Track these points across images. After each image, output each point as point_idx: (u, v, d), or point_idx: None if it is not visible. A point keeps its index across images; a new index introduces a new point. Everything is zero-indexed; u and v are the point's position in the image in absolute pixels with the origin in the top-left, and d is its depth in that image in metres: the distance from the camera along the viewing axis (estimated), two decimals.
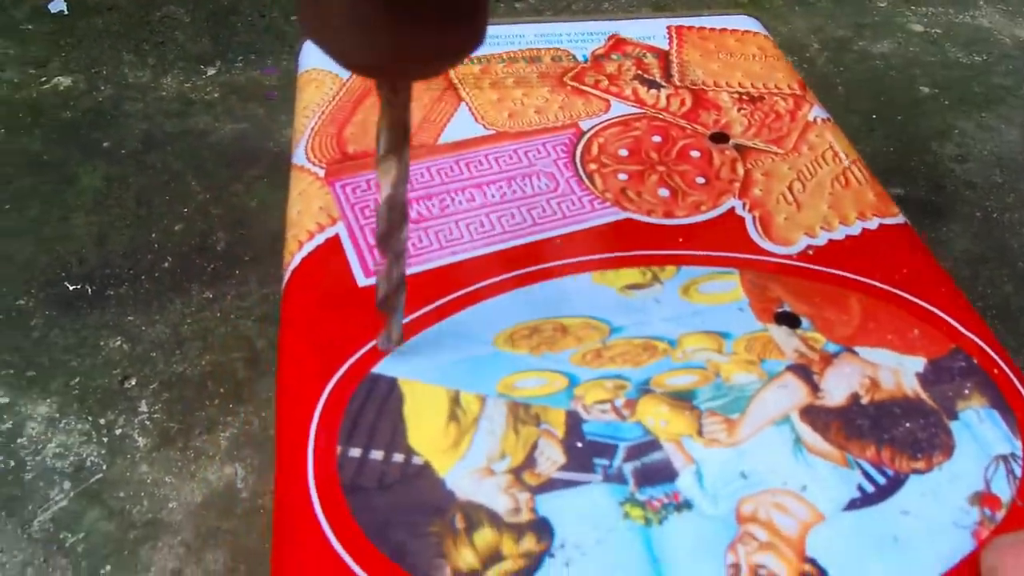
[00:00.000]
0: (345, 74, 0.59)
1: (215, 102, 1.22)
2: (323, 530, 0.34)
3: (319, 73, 0.60)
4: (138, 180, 1.08)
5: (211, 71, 1.29)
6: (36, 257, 0.97)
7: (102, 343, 0.88)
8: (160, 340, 0.88)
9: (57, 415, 0.81)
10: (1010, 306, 0.95)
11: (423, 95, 0.58)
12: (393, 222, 0.36)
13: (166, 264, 0.97)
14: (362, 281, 0.45)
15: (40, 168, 1.09)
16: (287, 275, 0.46)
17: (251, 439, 0.80)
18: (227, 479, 0.77)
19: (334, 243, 0.47)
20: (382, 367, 0.41)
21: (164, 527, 0.73)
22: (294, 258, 0.47)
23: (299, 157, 0.53)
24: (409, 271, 0.45)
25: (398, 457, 0.37)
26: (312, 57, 0.62)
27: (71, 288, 0.93)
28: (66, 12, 1.36)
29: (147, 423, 0.81)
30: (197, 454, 0.78)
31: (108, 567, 0.71)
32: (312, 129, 0.55)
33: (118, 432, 0.80)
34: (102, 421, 0.81)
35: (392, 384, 0.40)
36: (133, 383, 0.84)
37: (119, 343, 0.88)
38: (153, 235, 1.00)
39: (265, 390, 0.84)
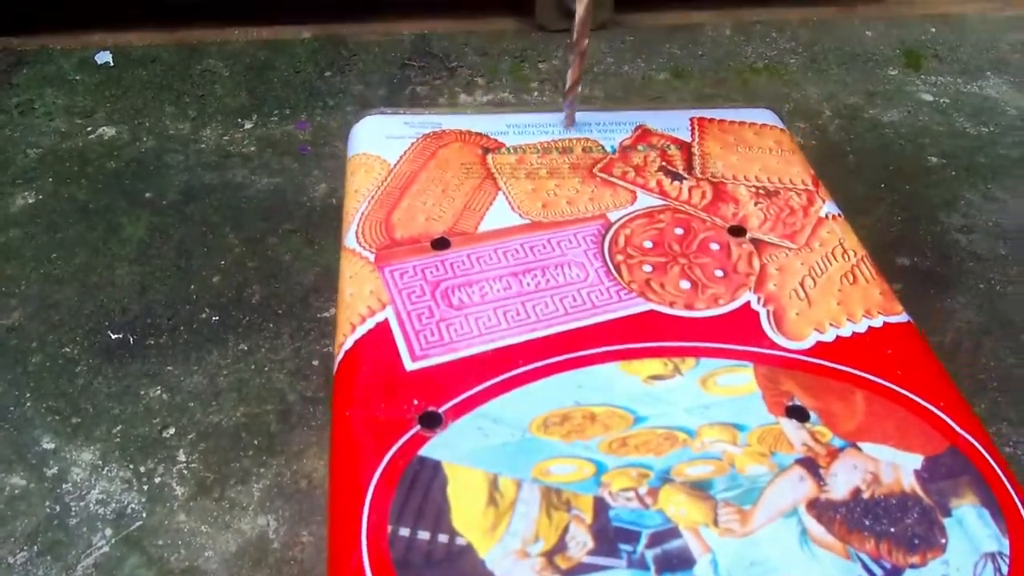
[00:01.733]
0: (393, 160, 0.64)
1: (252, 155, 1.28)
2: None
3: (368, 158, 0.65)
4: (179, 231, 1.13)
5: (248, 124, 1.35)
6: (82, 305, 1.02)
7: (143, 392, 0.92)
8: (198, 390, 0.93)
9: (100, 462, 0.86)
10: (1012, 378, 0.98)
11: (464, 183, 0.63)
12: (580, 34, 0.62)
13: (203, 315, 1.02)
14: (409, 365, 0.49)
15: (86, 216, 1.15)
16: (340, 356, 0.51)
17: (282, 491, 0.84)
18: (260, 530, 0.81)
19: (384, 328, 0.51)
20: (428, 450, 0.45)
21: (200, 575, 0.77)
22: (347, 340, 0.51)
23: (350, 240, 0.58)
24: (449, 358, 0.50)
25: (443, 537, 0.41)
26: (362, 141, 0.67)
27: (114, 337, 0.98)
28: (111, 64, 1.43)
29: (185, 472, 0.85)
30: (232, 504, 0.83)
31: None
32: (362, 214, 0.60)
33: (157, 480, 0.84)
34: (142, 469, 0.85)
35: (437, 467, 0.44)
36: (172, 432, 0.89)
37: (159, 392, 0.92)
38: (192, 287, 1.05)
39: (296, 442, 0.88)
